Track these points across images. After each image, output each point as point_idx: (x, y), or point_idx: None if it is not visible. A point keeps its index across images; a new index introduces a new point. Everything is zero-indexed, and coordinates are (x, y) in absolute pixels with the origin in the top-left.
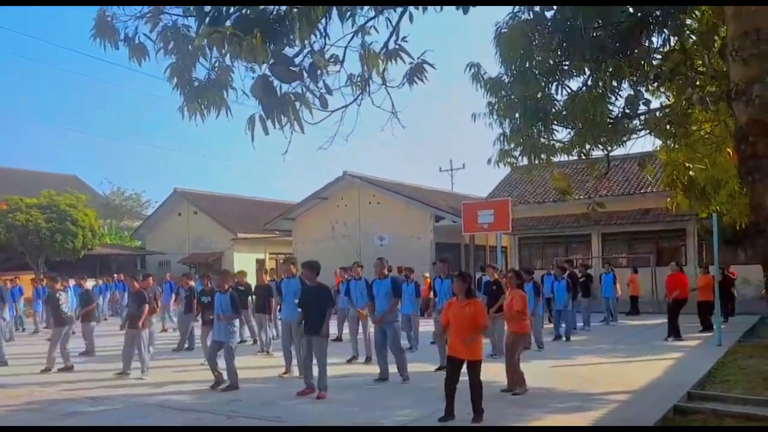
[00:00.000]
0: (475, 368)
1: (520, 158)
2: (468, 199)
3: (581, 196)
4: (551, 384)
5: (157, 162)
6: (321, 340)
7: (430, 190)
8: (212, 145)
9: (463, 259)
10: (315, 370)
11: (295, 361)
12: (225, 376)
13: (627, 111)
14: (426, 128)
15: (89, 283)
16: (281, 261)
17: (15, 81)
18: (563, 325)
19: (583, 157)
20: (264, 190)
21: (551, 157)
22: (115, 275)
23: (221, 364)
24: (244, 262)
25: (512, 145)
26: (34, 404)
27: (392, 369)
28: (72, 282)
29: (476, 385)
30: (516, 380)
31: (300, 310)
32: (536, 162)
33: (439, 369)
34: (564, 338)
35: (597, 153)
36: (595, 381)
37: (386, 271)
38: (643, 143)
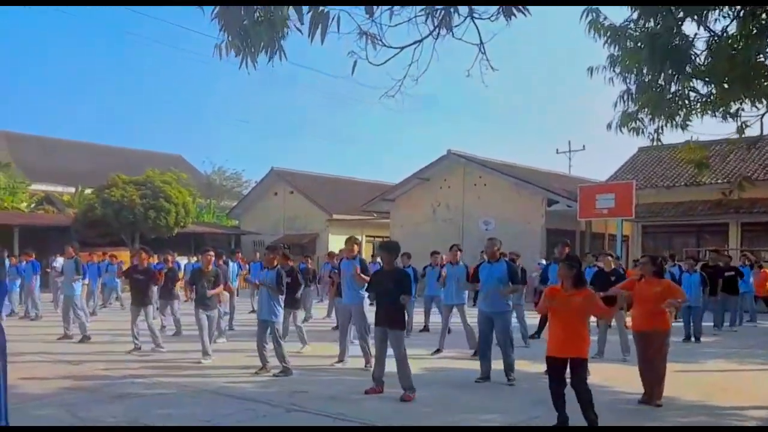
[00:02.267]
0: (579, 369)
1: (648, 121)
2: (587, 182)
3: (719, 180)
4: (674, 392)
5: (257, 142)
6: (397, 333)
7: (544, 172)
8: (311, 124)
9: (578, 247)
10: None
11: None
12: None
13: None
14: (541, 104)
15: (183, 261)
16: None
17: (122, 60)
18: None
19: (729, 119)
20: (364, 170)
21: (688, 119)
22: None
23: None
24: (340, 245)
25: (638, 105)
26: (88, 381)
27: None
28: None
29: (584, 388)
30: (660, 389)
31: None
32: (669, 125)
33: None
34: (695, 339)
35: (746, 115)
36: (727, 391)
37: (498, 254)
38: None
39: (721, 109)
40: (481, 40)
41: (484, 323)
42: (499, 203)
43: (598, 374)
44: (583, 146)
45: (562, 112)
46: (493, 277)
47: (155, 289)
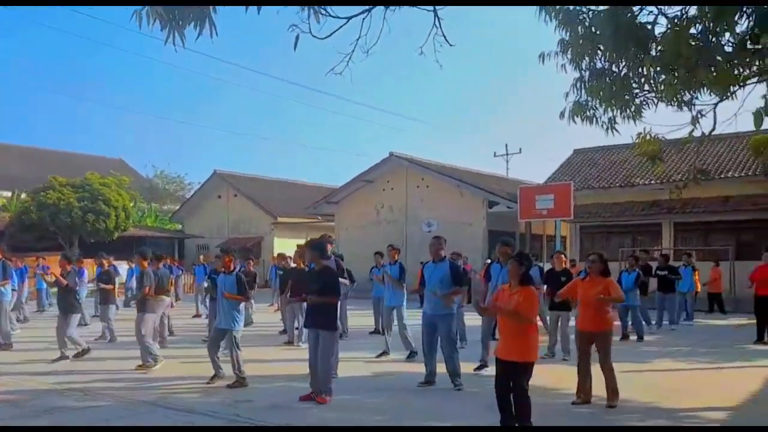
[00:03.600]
0: (521, 371)
1: (601, 110)
2: (525, 184)
3: (652, 181)
4: (627, 394)
5: (199, 144)
6: (328, 334)
7: (484, 175)
8: (254, 126)
9: (518, 248)
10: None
11: None
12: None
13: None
14: (479, 109)
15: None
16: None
17: (55, 57)
18: (630, 323)
19: (684, 108)
20: (307, 173)
21: (642, 109)
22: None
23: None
24: (285, 248)
25: (590, 93)
26: (15, 396)
27: (441, 369)
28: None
29: (520, 393)
30: (614, 389)
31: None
32: (622, 114)
33: (478, 368)
34: (638, 338)
35: (700, 104)
36: (681, 392)
37: (443, 253)
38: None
39: (677, 97)
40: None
41: (427, 325)
42: (441, 205)
43: (550, 376)
44: (520, 149)
45: (500, 114)
46: (435, 277)
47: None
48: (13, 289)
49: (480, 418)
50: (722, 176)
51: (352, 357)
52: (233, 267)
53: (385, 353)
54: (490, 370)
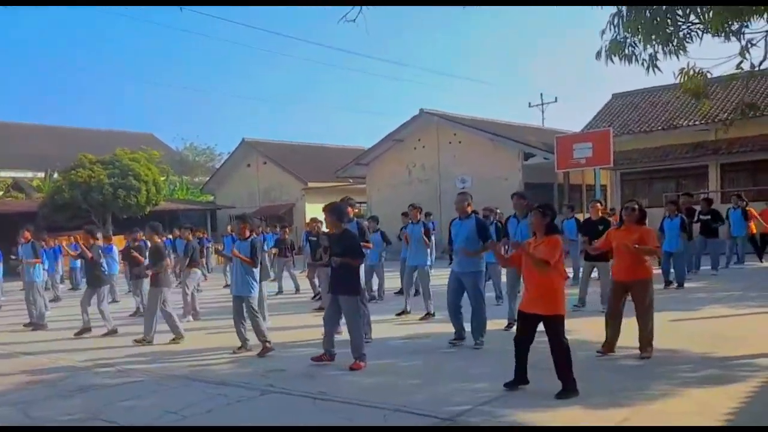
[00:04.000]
0: (552, 326)
1: (641, 47)
2: (562, 134)
3: (696, 122)
4: (675, 344)
5: (228, 114)
6: (350, 298)
7: (518, 126)
8: (281, 91)
9: (556, 199)
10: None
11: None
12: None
13: None
14: (511, 58)
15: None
16: (357, 210)
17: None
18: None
19: (732, 38)
20: (337, 137)
21: (685, 42)
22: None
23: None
24: (317, 213)
25: (630, 29)
26: (50, 375)
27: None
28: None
29: (558, 349)
30: (650, 341)
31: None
32: (664, 50)
33: (508, 326)
34: (676, 285)
35: (750, 32)
36: (733, 339)
37: (470, 209)
38: None
39: (724, 25)
40: None
41: (453, 282)
42: (474, 160)
43: (587, 327)
44: (556, 98)
45: (534, 62)
46: (461, 235)
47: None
48: (44, 269)
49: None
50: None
51: (385, 319)
52: (248, 234)
53: (405, 312)
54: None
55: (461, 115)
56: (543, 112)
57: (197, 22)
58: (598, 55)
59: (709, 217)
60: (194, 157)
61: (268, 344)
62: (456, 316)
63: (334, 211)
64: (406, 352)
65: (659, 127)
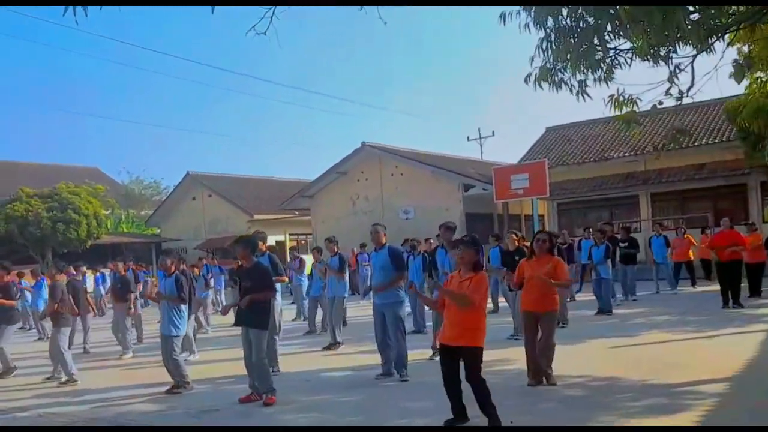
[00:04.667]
0: (470, 358)
1: (570, 73)
2: (499, 166)
3: (626, 154)
4: (616, 371)
5: (172, 148)
6: (260, 332)
7: (458, 159)
8: (224, 126)
9: (496, 229)
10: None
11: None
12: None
13: None
14: (451, 93)
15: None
16: (302, 242)
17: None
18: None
19: (659, 63)
20: (281, 170)
21: (612, 70)
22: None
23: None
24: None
25: (557, 58)
26: None
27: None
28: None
29: (476, 381)
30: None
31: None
32: (592, 76)
33: (432, 356)
34: (605, 311)
35: (677, 59)
36: (675, 365)
37: (384, 240)
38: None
39: (652, 50)
40: None
41: (376, 316)
42: (417, 192)
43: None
44: (493, 132)
45: (471, 98)
46: (377, 265)
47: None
48: None
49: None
50: (696, 144)
51: (300, 351)
52: (173, 269)
53: (336, 345)
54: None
55: (402, 148)
56: (481, 145)
57: (146, 58)
58: (527, 79)
59: (626, 244)
60: (140, 191)
61: (185, 385)
62: (385, 348)
63: (244, 242)
64: (342, 387)
65: (591, 159)
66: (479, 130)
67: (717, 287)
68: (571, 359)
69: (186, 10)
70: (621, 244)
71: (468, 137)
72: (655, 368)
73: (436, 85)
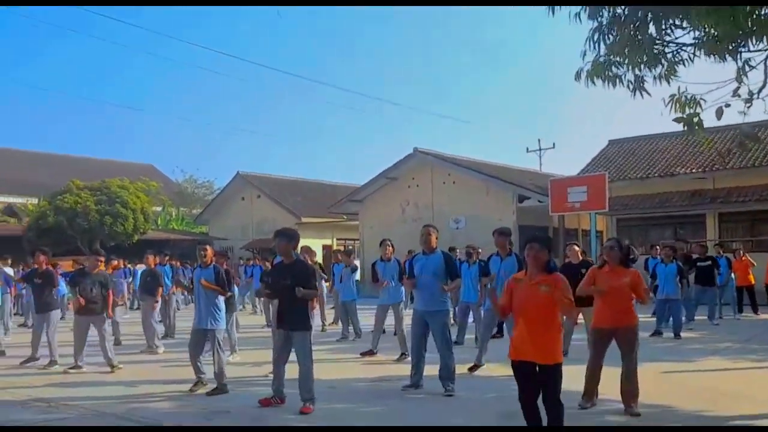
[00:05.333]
0: (552, 377)
1: (625, 67)
2: (557, 178)
3: (693, 170)
4: (667, 399)
5: (227, 148)
6: (303, 334)
7: (514, 169)
8: (278, 127)
9: (552, 243)
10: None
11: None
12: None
13: None
14: (511, 103)
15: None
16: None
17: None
18: (671, 319)
19: (725, 60)
20: (332, 173)
21: (675, 67)
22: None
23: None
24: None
25: (612, 50)
26: None
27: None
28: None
29: (555, 402)
30: (636, 394)
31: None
32: (651, 73)
33: (472, 368)
34: (674, 335)
35: (746, 54)
36: (730, 395)
37: (435, 243)
38: None
39: (718, 45)
40: None
41: (416, 324)
42: (468, 201)
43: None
44: (553, 144)
45: (530, 108)
46: (427, 270)
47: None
48: (5, 293)
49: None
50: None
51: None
52: (211, 261)
53: (371, 352)
54: (483, 371)
55: (456, 156)
56: (540, 157)
57: (207, 58)
58: (578, 75)
59: (708, 263)
60: (193, 190)
61: (223, 386)
62: (419, 359)
63: (288, 236)
64: (367, 396)
65: (656, 174)
66: (539, 141)
67: None
68: (614, 382)
69: (250, 11)
70: (700, 264)
71: (527, 148)
72: (711, 398)
73: (497, 93)
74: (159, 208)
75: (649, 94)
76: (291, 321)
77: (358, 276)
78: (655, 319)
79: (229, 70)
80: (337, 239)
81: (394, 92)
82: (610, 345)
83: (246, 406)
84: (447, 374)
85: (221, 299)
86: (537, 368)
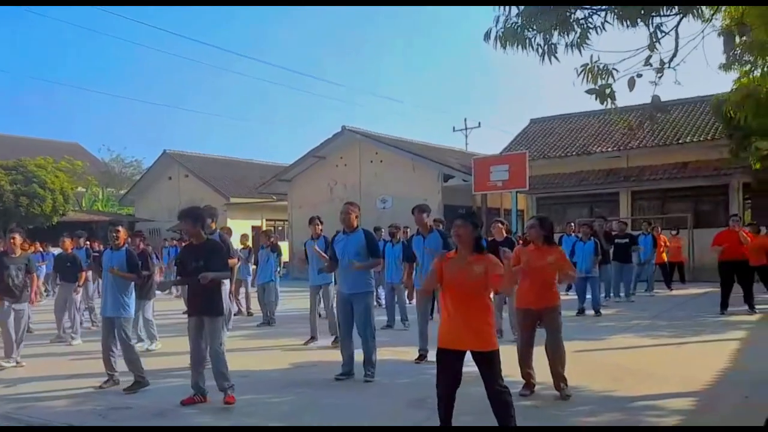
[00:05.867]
0: (490, 364)
1: (539, 36)
2: (479, 156)
3: (609, 149)
4: (575, 380)
5: (156, 126)
6: (214, 320)
7: (440, 148)
8: (211, 105)
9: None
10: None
11: None
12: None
13: None
14: (436, 81)
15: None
16: (280, 228)
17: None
18: (588, 297)
19: (637, 25)
20: (260, 153)
21: (585, 33)
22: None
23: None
24: (240, 229)
25: (523, 16)
26: None
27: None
28: None
29: (500, 392)
30: (563, 375)
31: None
32: (564, 36)
33: (419, 359)
34: (594, 312)
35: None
36: (639, 374)
37: (356, 222)
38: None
39: (629, 8)
40: None
41: (342, 306)
42: (396, 180)
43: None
44: (479, 123)
45: (460, 88)
46: (349, 250)
47: None
48: None
49: (396, 417)
50: (680, 142)
51: (273, 345)
52: (123, 243)
53: (312, 339)
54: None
55: (384, 135)
56: (467, 136)
57: (139, 32)
58: (487, 36)
59: (626, 240)
60: (120, 170)
61: (142, 377)
62: (347, 344)
63: (193, 215)
64: (280, 387)
65: (574, 153)
66: (465, 120)
67: (692, 291)
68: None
69: None
70: (619, 240)
71: (454, 128)
72: (618, 377)
73: (426, 73)
74: (83, 189)
75: (557, 59)
76: (201, 306)
77: (286, 257)
78: (576, 297)
79: (162, 45)
80: (267, 220)
81: (329, 71)
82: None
83: (151, 402)
84: (367, 359)
85: (131, 285)
86: (472, 356)
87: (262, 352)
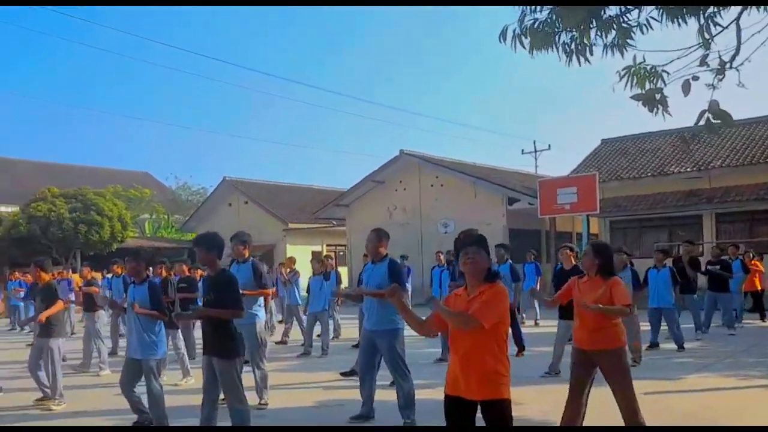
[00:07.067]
0: (495, 416)
1: (568, 36)
2: (546, 179)
3: (688, 169)
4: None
5: (218, 154)
6: (225, 363)
7: (504, 171)
8: (268, 132)
9: (543, 247)
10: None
11: None
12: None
13: None
14: (505, 104)
15: None
16: (340, 253)
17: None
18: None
19: (689, 18)
20: (319, 178)
21: (630, 35)
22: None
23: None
24: (299, 255)
25: (555, 16)
26: None
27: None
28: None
29: None
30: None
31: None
32: (603, 39)
33: None
34: (677, 347)
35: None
36: (720, 417)
37: (383, 251)
38: None
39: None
40: None
41: (364, 345)
42: (457, 204)
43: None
44: (549, 146)
45: (527, 111)
46: (373, 282)
47: None
48: None
49: None
50: (767, 161)
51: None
52: (146, 275)
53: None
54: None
55: (442, 158)
56: (536, 159)
57: (198, 63)
58: (502, 36)
59: (718, 267)
60: (187, 197)
61: (152, 419)
62: (366, 385)
63: (207, 243)
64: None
65: (649, 173)
66: (534, 142)
67: None
68: (590, 403)
69: (236, 11)
70: (710, 267)
71: (522, 150)
72: (694, 420)
73: (492, 96)
74: (147, 216)
75: (588, 61)
76: (211, 345)
77: (346, 282)
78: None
79: (221, 75)
80: (327, 245)
81: (387, 95)
82: (595, 373)
83: None
84: (404, 403)
85: (158, 323)
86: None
87: (288, 387)
